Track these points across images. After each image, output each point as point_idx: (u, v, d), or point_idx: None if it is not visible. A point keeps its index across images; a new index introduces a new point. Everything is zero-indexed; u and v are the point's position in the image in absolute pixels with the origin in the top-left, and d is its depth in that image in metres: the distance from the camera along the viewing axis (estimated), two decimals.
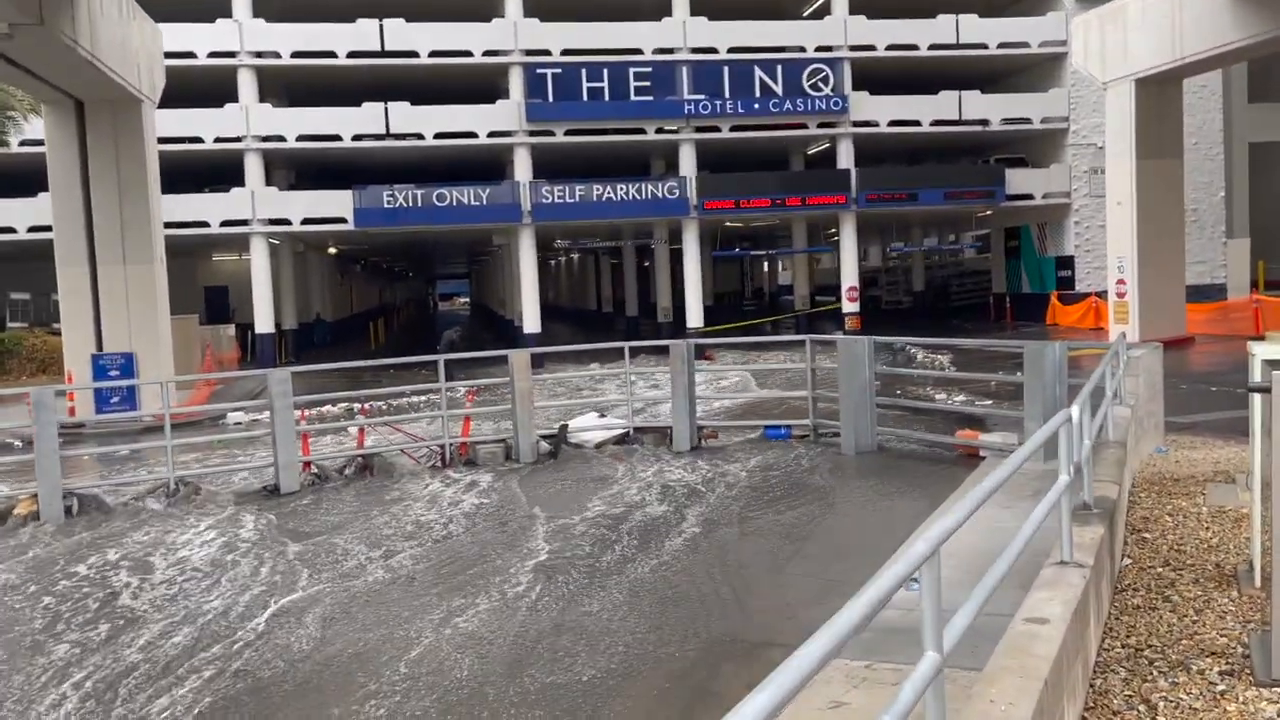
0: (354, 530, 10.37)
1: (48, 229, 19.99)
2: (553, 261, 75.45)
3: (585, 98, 29.65)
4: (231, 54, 27.85)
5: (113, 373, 18.84)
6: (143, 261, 19.17)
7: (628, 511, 10.50)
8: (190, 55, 27.52)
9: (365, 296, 58.12)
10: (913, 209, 32.08)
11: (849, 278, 32.13)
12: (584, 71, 29.53)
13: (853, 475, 11.83)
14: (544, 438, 14.15)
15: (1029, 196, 32.46)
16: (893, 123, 31.66)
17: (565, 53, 29.59)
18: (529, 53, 29.36)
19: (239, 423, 19.62)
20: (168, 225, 27.35)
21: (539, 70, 29.31)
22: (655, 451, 14.01)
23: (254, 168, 28.26)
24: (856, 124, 31.35)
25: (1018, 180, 32.27)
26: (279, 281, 33.40)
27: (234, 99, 28.00)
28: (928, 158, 39.45)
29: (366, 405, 14.58)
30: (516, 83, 29.32)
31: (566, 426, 14.27)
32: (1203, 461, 10.16)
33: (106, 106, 18.86)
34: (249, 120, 27.90)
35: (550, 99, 29.44)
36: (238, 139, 27.98)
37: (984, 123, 32.16)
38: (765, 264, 62.49)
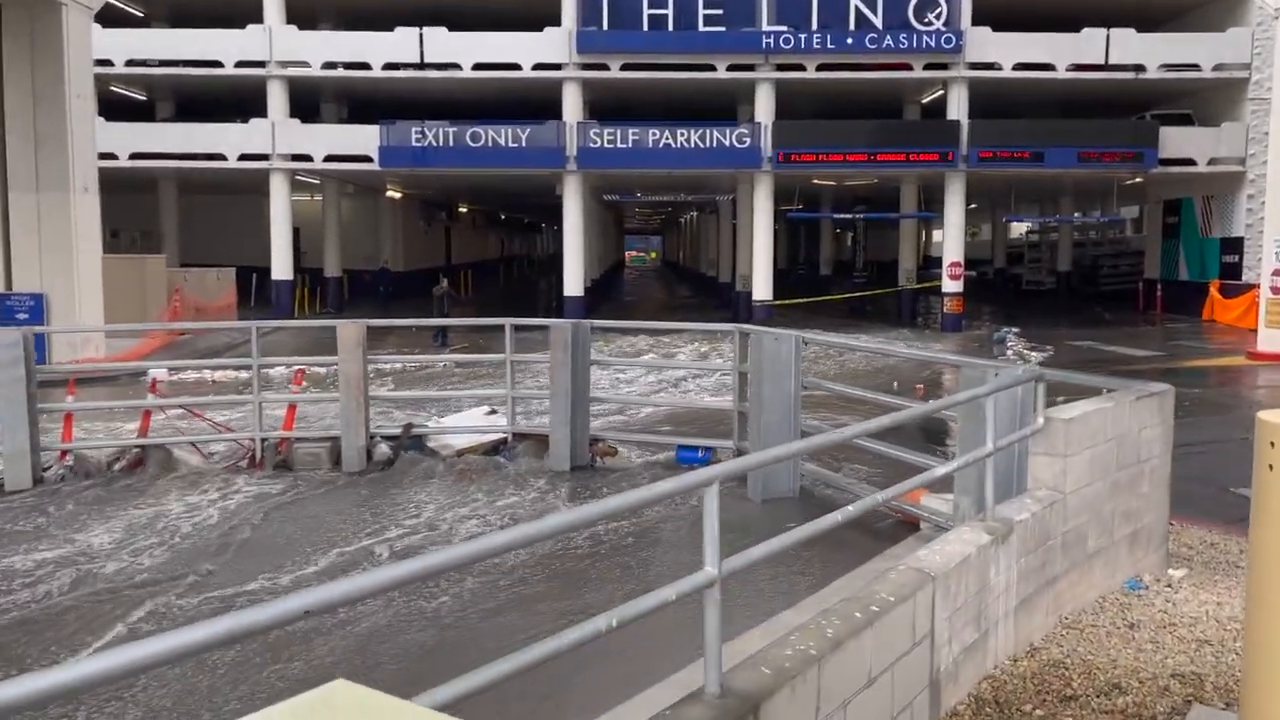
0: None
1: None
2: (681, 219, 71.55)
3: (646, 27, 25.69)
4: None
5: (20, 315, 16.65)
6: (58, 189, 16.82)
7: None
8: None
9: (473, 247, 55.90)
10: (1037, 170, 26.51)
11: (953, 251, 27.02)
12: None
13: (730, 552, 7.78)
14: (387, 438, 10.81)
15: (1189, 162, 26.33)
16: (1019, 66, 26.11)
17: None
18: None
19: (159, 380, 17.27)
20: (181, 156, 25.55)
21: None
22: (526, 468, 10.40)
23: (277, 96, 25.84)
24: (973, 66, 26.03)
25: (1175, 141, 26.17)
26: (324, 224, 31.32)
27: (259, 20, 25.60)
28: (1075, 112, 33.31)
29: (156, 380, 11.53)
30: (569, 8, 25.64)
31: (411, 426, 10.85)
32: (1183, 622, 5.47)
33: (24, 10, 16.49)
34: (272, 43, 25.43)
35: (605, 27, 25.63)
36: (260, 64, 25.59)
37: (1138, 68, 26.18)
38: (921, 229, 56.32)
